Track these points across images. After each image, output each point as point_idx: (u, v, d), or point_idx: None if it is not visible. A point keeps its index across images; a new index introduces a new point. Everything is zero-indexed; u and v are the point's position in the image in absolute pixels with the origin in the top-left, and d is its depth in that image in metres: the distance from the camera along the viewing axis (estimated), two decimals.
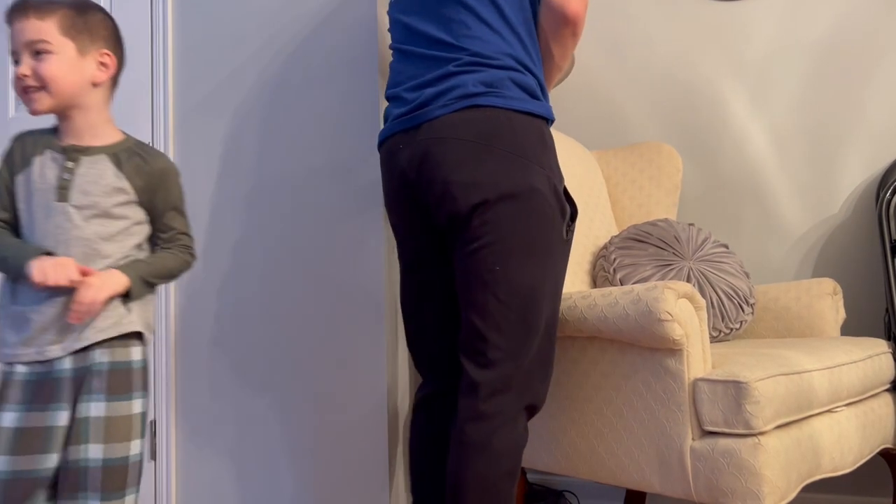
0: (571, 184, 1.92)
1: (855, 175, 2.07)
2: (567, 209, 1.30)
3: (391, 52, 1.42)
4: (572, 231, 1.33)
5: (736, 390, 1.22)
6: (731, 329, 1.75)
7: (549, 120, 1.32)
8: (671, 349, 1.29)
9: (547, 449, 1.54)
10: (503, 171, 1.23)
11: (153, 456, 2.08)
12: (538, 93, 1.31)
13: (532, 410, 1.28)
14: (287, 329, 2.02)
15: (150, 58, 2.22)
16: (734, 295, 1.75)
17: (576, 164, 2.01)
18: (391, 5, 1.43)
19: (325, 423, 1.96)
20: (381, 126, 1.53)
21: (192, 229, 1.43)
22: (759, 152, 2.16)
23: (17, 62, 1.19)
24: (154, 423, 2.09)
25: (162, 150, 2.16)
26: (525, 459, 1.61)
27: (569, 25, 1.31)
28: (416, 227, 1.35)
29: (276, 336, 2.04)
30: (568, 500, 2.07)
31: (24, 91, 1.18)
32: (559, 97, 2.32)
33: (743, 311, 1.76)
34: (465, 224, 1.24)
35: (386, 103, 1.54)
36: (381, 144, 1.37)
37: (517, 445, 1.25)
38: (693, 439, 1.27)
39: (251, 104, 2.12)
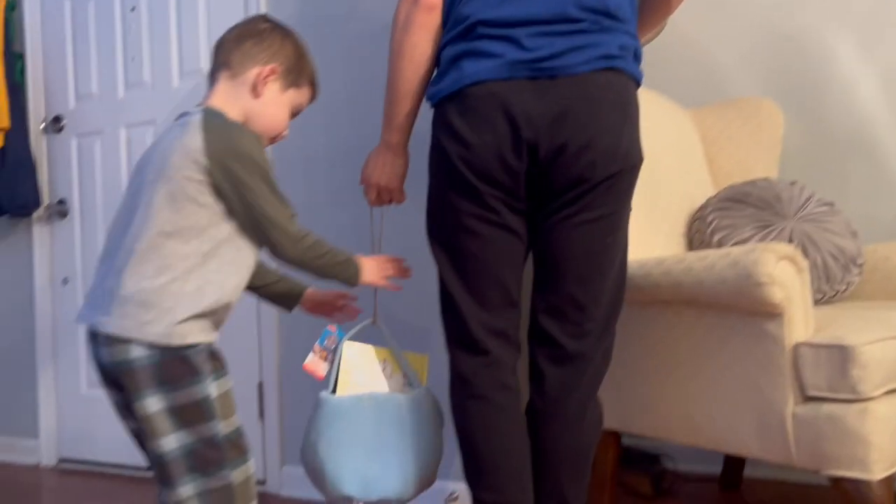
0: (665, 144, 1.87)
1: None
2: None
3: None
4: None
5: (841, 354, 1.18)
6: (837, 291, 1.68)
7: None
8: (771, 313, 1.26)
9: (641, 412, 1.54)
10: (635, 141, 1.23)
11: (261, 416, 2.20)
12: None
13: None
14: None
15: None
16: (840, 255, 1.68)
17: (670, 124, 1.95)
18: None
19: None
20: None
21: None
22: (868, 102, 2.03)
23: (291, 117, 1.35)
24: (261, 385, 2.21)
25: None
26: (619, 423, 1.61)
27: None
28: (493, 180, 1.20)
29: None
30: (664, 465, 2.06)
31: (275, 139, 1.35)
32: (651, 55, 2.25)
33: (850, 271, 1.68)
34: (590, 192, 1.18)
35: None
36: (476, 83, 1.19)
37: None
38: (795, 404, 1.24)
39: (342, 94, 2.16)
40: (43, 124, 2.69)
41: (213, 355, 1.22)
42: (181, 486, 1.17)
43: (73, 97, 2.65)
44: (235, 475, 1.21)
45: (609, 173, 1.18)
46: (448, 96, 1.23)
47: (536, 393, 1.28)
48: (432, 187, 1.31)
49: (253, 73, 1.27)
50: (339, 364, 1.42)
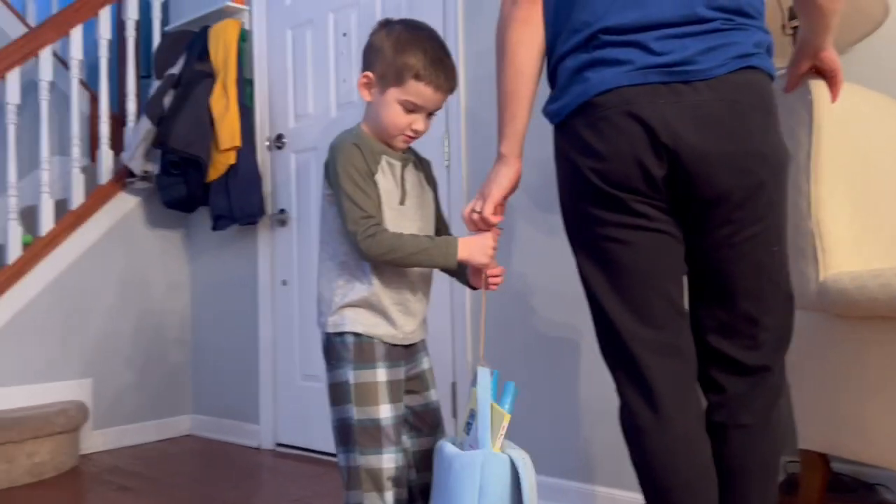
0: (882, 144, 1.73)
1: None
2: None
3: None
4: None
5: None
6: None
7: None
8: None
9: (854, 436, 1.44)
10: (780, 140, 1.15)
11: (453, 414, 2.31)
12: None
13: None
14: (572, 311, 2.10)
15: None
16: None
17: (887, 123, 1.80)
18: None
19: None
20: None
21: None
22: None
23: (411, 111, 1.35)
24: (454, 385, 2.32)
25: (458, 147, 2.35)
26: (828, 445, 1.51)
27: None
28: (632, 188, 1.12)
29: (560, 316, 2.13)
30: (881, 495, 1.89)
31: (408, 138, 1.38)
32: (867, 49, 2.08)
33: None
34: (745, 203, 1.11)
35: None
36: (605, 92, 1.12)
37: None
38: None
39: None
40: (267, 142, 3.01)
41: (359, 346, 1.36)
42: (339, 452, 1.38)
43: (292, 117, 2.95)
44: (363, 461, 1.33)
45: (760, 180, 1.11)
46: (574, 111, 1.15)
47: (716, 405, 1.21)
48: (567, 205, 1.23)
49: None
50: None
